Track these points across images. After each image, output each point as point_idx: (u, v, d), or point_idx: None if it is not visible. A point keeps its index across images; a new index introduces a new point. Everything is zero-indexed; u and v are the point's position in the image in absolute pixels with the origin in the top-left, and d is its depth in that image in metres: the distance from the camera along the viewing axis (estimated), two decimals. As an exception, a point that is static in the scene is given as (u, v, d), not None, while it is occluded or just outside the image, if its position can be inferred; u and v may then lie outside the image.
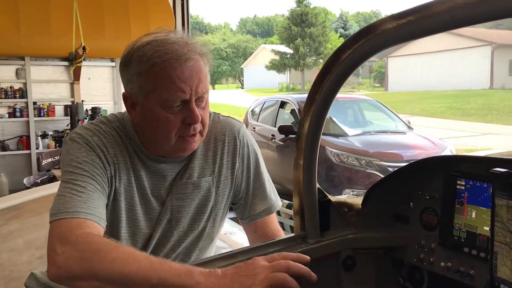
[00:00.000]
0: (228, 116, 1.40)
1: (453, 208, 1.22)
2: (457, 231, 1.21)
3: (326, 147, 6.38)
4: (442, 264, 1.24)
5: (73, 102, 6.77)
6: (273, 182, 1.49)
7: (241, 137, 1.36)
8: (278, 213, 3.25)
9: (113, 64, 7.16)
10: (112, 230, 1.22)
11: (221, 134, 1.34)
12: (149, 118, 1.18)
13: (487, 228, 1.11)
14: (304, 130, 1.18)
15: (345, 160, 6.30)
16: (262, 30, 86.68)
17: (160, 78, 1.13)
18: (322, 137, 1.21)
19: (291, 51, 44.80)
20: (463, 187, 1.20)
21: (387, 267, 1.38)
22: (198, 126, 1.20)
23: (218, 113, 1.39)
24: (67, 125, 6.74)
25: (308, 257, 1.05)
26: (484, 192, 1.15)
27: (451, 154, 6.15)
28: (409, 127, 7.52)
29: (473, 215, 1.18)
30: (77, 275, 0.93)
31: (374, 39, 0.98)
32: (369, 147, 6.43)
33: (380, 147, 6.49)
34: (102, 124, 1.24)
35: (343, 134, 6.83)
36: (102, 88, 7.27)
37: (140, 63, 1.14)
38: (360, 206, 1.35)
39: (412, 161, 1.35)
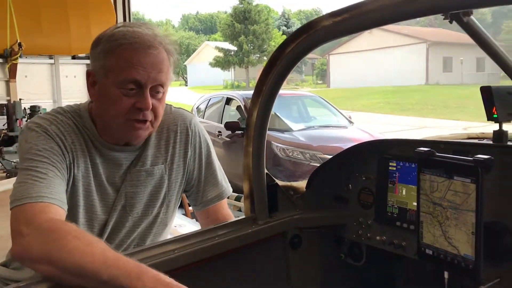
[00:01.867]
0: (180, 108, 1.46)
1: (386, 187, 1.36)
2: (390, 207, 1.35)
3: (272, 142, 6.52)
4: (378, 238, 1.38)
5: (9, 100, 6.49)
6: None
7: (192, 127, 1.42)
8: (227, 205, 3.32)
9: (52, 61, 6.92)
10: (70, 216, 1.25)
11: (173, 124, 1.40)
12: (104, 96, 1.23)
13: (415, 204, 1.25)
14: (253, 119, 1.27)
15: (291, 154, 6.47)
16: (205, 26, 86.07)
17: (121, 58, 1.19)
18: (268, 132, 1.31)
19: (235, 48, 44.87)
20: (394, 168, 1.34)
21: (330, 244, 1.50)
22: (149, 115, 1.24)
23: (170, 105, 1.44)
24: (4, 125, 6.44)
25: None
26: (412, 172, 1.29)
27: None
28: (350, 122, 7.81)
29: (404, 193, 1.32)
30: (36, 259, 0.97)
31: (314, 34, 1.09)
32: (312, 141, 6.64)
33: (323, 141, 6.71)
34: (59, 114, 1.27)
35: (288, 129, 7.00)
36: (41, 86, 7.01)
37: (108, 43, 1.21)
38: (305, 189, 1.46)
39: (349, 146, 1.48)
